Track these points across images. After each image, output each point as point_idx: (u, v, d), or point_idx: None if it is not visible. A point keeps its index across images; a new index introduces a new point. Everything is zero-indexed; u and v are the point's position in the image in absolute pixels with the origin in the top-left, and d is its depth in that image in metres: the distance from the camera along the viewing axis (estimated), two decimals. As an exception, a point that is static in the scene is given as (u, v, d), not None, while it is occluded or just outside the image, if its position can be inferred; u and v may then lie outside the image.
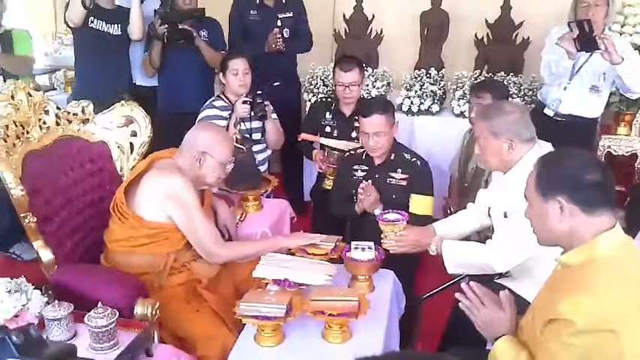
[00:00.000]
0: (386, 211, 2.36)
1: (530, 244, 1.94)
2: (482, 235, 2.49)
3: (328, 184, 3.24)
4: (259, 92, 3.10)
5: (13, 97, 2.12)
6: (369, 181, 2.69)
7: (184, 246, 2.20)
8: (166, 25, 3.47)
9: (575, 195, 1.42)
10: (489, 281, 2.15)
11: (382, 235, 2.26)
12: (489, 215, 2.30)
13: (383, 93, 4.03)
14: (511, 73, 4.08)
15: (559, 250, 1.51)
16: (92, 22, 3.49)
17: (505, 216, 2.13)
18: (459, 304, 1.66)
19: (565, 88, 3.29)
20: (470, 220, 2.42)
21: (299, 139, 3.40)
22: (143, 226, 2.14)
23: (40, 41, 4.79)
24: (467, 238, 2.40)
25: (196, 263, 2.22)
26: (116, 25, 3.55)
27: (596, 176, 1.42)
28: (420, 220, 2.50)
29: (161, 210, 2.13)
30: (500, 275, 2.25)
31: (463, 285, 1.66)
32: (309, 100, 4.06)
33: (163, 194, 2.12)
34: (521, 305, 1.67)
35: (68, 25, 3.63)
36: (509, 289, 1.91)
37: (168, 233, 2.16)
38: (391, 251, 2.25)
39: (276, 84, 3.62)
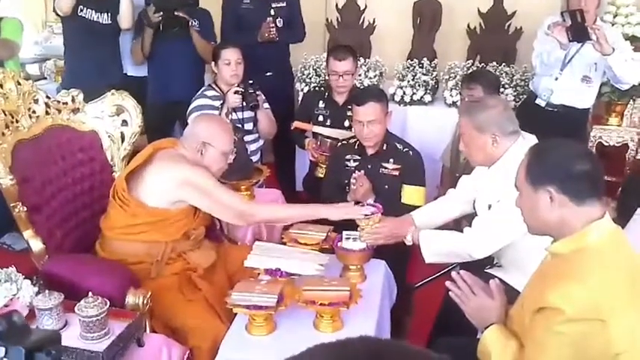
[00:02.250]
0: (361, 204, 2.34)
1: (508, 231, 1.96)
2: (462, 224, 2.47)
3: (321, 172, 3.24)
4: (251, 82, 3.09)
5: (1, 86, 2.09)
6: (362, 171, 2.69)
7: (183, 235, 2.19)
8: (161, 13, 3.44)
9: (565, 185, 1.43)
10: (480, 271, 2.16)
11: (358, 229, 2.22)
12: (474, 208, 2.30)
13: (375, 83, 4.03)
14: (503, 63, 4.08)
15: (549, 239, 1.52)
16: (81, 10, 3.45)
17: (489, 208, 2.14)
18: (450, 293, 1.67)
19: (556, 79, 3.30)
20: (450, 208, 2.41)
21: (292, 128, 3.39)
22: (145, 212, 2.14)
23: (30, 30, 4.74)
24: (443, 227, 2.38)
25: (193, 253, 2.22)
26: (106, 14, 3.51)
27: (586, 166, 1.43)
28: (412, 211, 2.50)
29: (172, 197, 2.13)
30: (491, 265, 2.26)
31: (454, 274, 1.67)
32: (302, 90, 4.05)
33: (178, 182, 2.11)
34: (511, 295, 1.68)
35: (57, 14, 3.59)
36: (501, 279, 1.92)
37: (170, 221, 2.16)
38: (367, 244, 2.22)
39: (268, 74, 3.62)
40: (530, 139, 2.09)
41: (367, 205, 2.28)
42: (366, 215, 2.19)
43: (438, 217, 2.40)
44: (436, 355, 0.66)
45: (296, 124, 3.37)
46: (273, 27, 3.57)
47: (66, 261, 2.08)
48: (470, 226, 2.16)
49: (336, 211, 2.23)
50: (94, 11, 3.48)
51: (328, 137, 3.25)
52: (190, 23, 3.53)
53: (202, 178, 2.13)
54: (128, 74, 3.83)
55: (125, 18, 3.53)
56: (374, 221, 2.20)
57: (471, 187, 2.33)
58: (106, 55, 3.59)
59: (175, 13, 3.46)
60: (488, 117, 2.07)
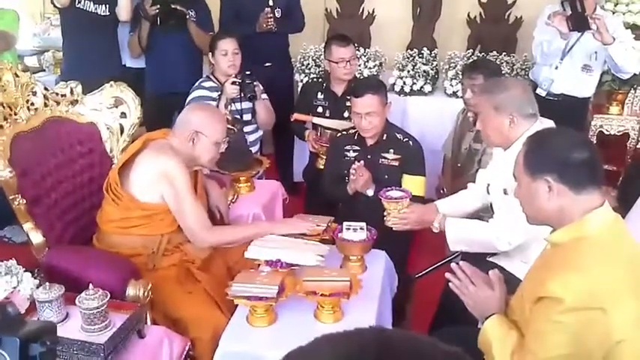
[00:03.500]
0: (389, 188, 2.34)
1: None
2: (484, 216, 2.47)
3: (322, 163, 3.23)
4: (248, 73, 3.08)
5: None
6: (361, 162, 2.69)
7: (178, 227, 2.19)
8: (158, 6, 3.42)
9: (563, 174, 1.42)
10: (482, 259, 2.16)
11: (385, 213, 2.25)
12: (488, 192, 2.30)
13: (375, 73, 4.01)
14: (504, 53, 4.07)
15: (550, 228, 1.52)
16: (79, 2, 3.43)
17: (505, 193, 2.12)
18: (450, 284, 1.67)
19: (557, 68, 3.29)
20: (472, 199, 2.42)
21: (292, 120, 3.38)
22: (138, 207, 2.14)
23: (28, 22, 4.71)
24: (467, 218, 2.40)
25: (189, 244, 2.22)
26: (104, 6, 3.49)
27: (584, 155, 1.42)
28: (413, 201, 2.50)
29: (155, 190, 2.12)
30: (493, 253, 2.26)
31: (453, 265, 1.67)
32: (301, 81, 4.03)
33: (157, 174, 2.11)
34: (512, 283, 1.68)
35: (55, 6, 3.57)
36: (502, 268, 1.92)
37: (163, 214, 2.15)
38: (394, 229, 2.24)
39: (267, 64, 3.60)
40: (547, 124, 2.07)
41: (396, 189, 2.29)
42: (394, 199, 2.21)
43: (461, 208, 2.40)
44: (448, 347, 0.65)
45: (296, 115, 3.36)
46: (271, 17, 3.55)
47: (66, 253, 2.08)
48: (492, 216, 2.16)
49: (283, 227, 2.24)
50: (92, 3, 3.46)
51: (328, 128, 3.24)
52: (187, 15, 3.52)
53: (181, 178, 2.11)
54: (127, 66, 3.81)
55: (123, 10, 3.51)
56: (403, 206, 2.21)
57: (487, 173, 2.33)
58: (104, 46, 3.58)
59: (172, 6, 3.44)
60: (508, 97, 2.06)
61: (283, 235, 2.22)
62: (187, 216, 2.14)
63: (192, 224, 2.15)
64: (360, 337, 0.66)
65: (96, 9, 3.48)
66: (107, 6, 3.49)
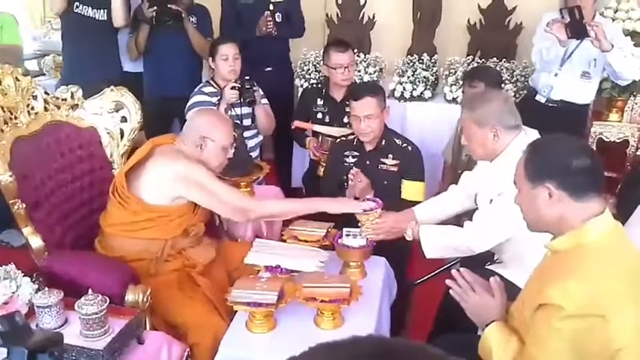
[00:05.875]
0: (359, 199, 2.33)
1: (508, 225, 1.95)
2: (462, 220, 2.48)
3: (322, 171, 3.23)
4: (247, 77, 3.08)
5: (0, 82, 2.09)
6: (361, 168, 2.68)
7: (182, 232, 2.19)
8: (155, 7, 3.43)
9: (564, 181, 1.42)
10: (481, 267, 2.16)
11: (359, 224, 2.22)
12: (476, 203, 2.30)
13: (375, 79, 4.01)
14: (504, 59, 4.07)
15: (550, 234, 1.52)
16: (77, 7, 3.44)
17: (491, 202, 2.13)
18: (450, 290, 1.66)
19: (556, 75, 3.29)
20: (452, 203, 2.41)
21: (293, 127, 3.38)
22: (145, 209, 2.14)
23: (28, 25, 4.72)
24: (444, 222, 2.38)
25: (192, 250, 2.22)
26: (102, 10, 3.49)
27: (585, 162, 1.42)
28: (412, 206, 2.50)
29: (168, 193, 2.13)
30: (492, 261, 2.26)
31: (453, 271, 1.67)
32: (301, 86, 4.03)
33: (173, 178, 2.11)
34: (512, 291, 1.67)
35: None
36: (501, 276, 1.92)
37: (169, 217, 2.16)
38: (369, 239, 2.22)
39: (267, 69, 3.60)
40: (532, 134, 2.08)
41: (367, 200, 2.28)
42: (365, 210, 2.19)
43: (440, 213, 2.39)
44: (453, 358, 0.63)
45: (296, 123, 3.36)
46: (270, 21, 3.55)
47: (65, 258, 2.08)
48: (471, 221, 2.16)
49: (335, 205, 2.24)
50: (90, 7, 3.46)
51: (329, 136, 3.24)
52: (188, 19, 3.52)
53: (199, 172, 2.12)
54: (125, 70, 3.81)
55: (117, 16, 3.49)
56: (374, 216, 2.20)
57: (473, 182, 2.33)
58: (103, 51, 3.57)
59: (168, 6, 3.45)
60: (488, 110, 2.06)
61: (283, 241, 2.22)
62: (225, 197, 2.13)
63: (235, 201, 2.15)
64: (356, 347, 0.64)
65: (94, 14, 3.48)
66: (105, 11, 3.49)
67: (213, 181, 2.14)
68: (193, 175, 2.11)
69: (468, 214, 2.31)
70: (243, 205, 2.18)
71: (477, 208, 2.26)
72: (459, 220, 2.46)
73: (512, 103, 2.17)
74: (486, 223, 2.07)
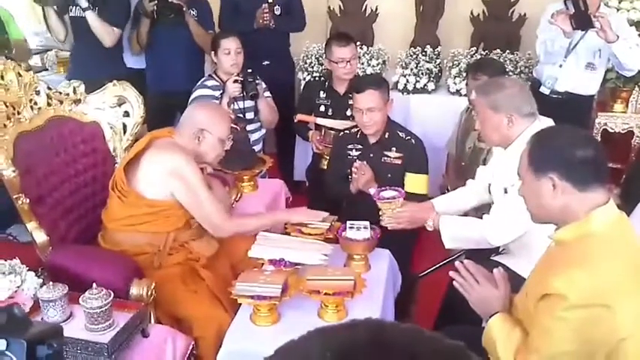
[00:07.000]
0: (382, 188, 2.35)
1: (526, 218, 1.95)
2: (480, 213, 2.48)
3: (325, 164, 3.22)
4: (250, 71, 3.07)
5: (2, 78, 2.08)
6: (364, 161, 2.68)
7: (184, 225, 2.20)
8: (155, 1, 3.42)
9: (568, 172, 1.42)
10: (486, 258, 2.16)
11: (380, 213, 2.26)
12: (489, 192, 2.29)
13: (378, 71, 4.00)
14: (507, 51, 4.04)
15: (554, 226, 1.51)
16: (71, 10, 3.46)
17: (505, 192, 2.12)
18: (454, 282, 1.66)
19: (561, 66, 3.28)
20: (468, 197, 2.42)
21: (295, 121, 3.37)
22: (144, 204, 2.14)
23: (31, 21, 4.71)
24: (464, 215, 2.40)
25: (195, 242, 2.22)
26: (95, 10, 3.48)
27: (588, 152, 1.42)
28: (416, 199, 2.49)
29: (164, 187, 2.13)
30: (497, 252, 2.25)
31: (457, 263, 1.66)
32: (304, 79, 4.03)
33: (166, 172, 2.11)
34: (516, 282, 1.67)
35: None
36: (506, 266, 1.92)
37: (170, 211, 2.16)
38: (389, 228, 2.25)
39: (265, 63, 3.59)
40: (546, 122, 2.07)
41: (390, 189, 2.30)
42: (387, 199, 2.22)
43: (457, 206, 2.40)
44: (450, 341, 0.62)
45: (299, 117, 3.35)
46: (267, 13, 3.53)
47: (70, 252, 2.08)
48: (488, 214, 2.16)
49: (296, 216, 2.29)
50: (81, 10, 3.45)
51: (332, 129, 3.23)
52: (189, 12, 3.51)
53: (193, 174, 2.12)
54: (128, 66, 3.80)
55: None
56: (396, 205, 2.22)
57: (487, 172, 2.33)
58: (103, 50, 3.55)
59: (169, 0, 3.44)
60: (504, 96, 2.06)
61: (287, 234, 2.22)
62: (205, 207, 2.15)
63: (211, 215, 2.16)
64: (353, 330, 0.63)
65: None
66: (97, 9, 3.45)
67: (202, 188, 2.14)
68: (188, 173, 2.11)
69: (487, 208, 2.31)
70: (217, 222, 2.18)
71: (491, 198, 2.26)
72: (479, 215, 2.46)
73: (529, 90, 2.17)
74: (504, 216, 2.06)
